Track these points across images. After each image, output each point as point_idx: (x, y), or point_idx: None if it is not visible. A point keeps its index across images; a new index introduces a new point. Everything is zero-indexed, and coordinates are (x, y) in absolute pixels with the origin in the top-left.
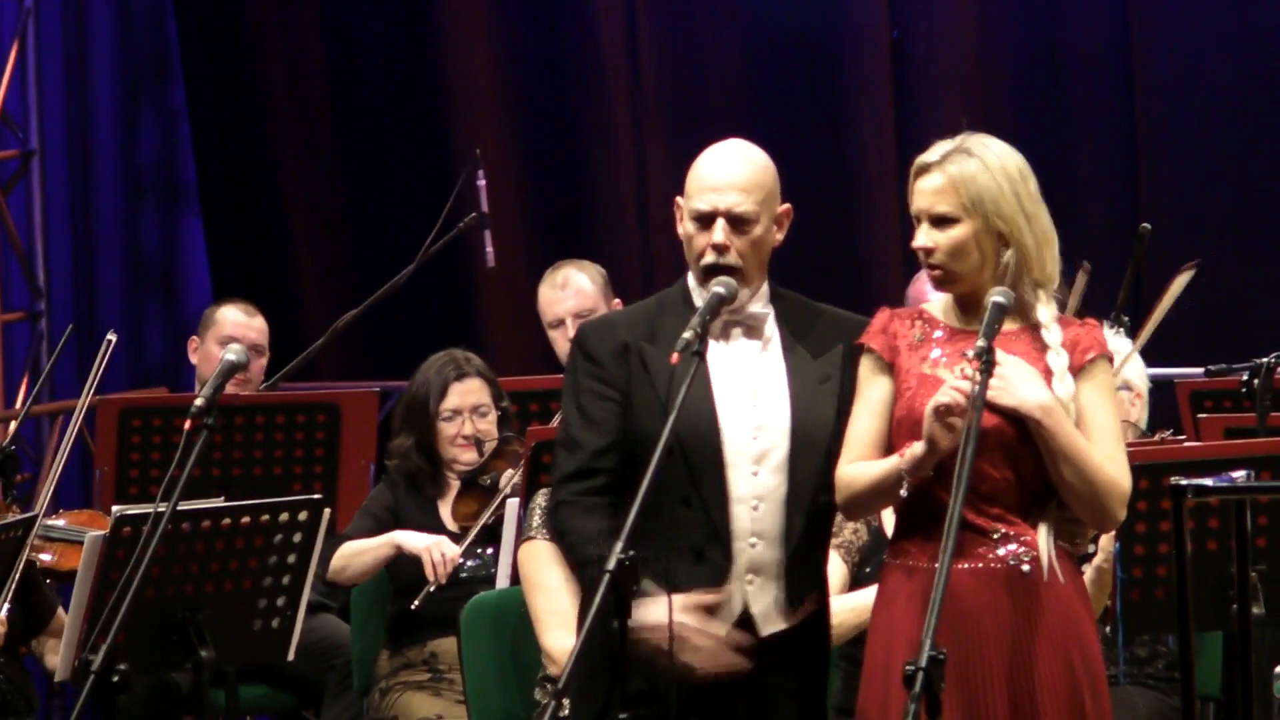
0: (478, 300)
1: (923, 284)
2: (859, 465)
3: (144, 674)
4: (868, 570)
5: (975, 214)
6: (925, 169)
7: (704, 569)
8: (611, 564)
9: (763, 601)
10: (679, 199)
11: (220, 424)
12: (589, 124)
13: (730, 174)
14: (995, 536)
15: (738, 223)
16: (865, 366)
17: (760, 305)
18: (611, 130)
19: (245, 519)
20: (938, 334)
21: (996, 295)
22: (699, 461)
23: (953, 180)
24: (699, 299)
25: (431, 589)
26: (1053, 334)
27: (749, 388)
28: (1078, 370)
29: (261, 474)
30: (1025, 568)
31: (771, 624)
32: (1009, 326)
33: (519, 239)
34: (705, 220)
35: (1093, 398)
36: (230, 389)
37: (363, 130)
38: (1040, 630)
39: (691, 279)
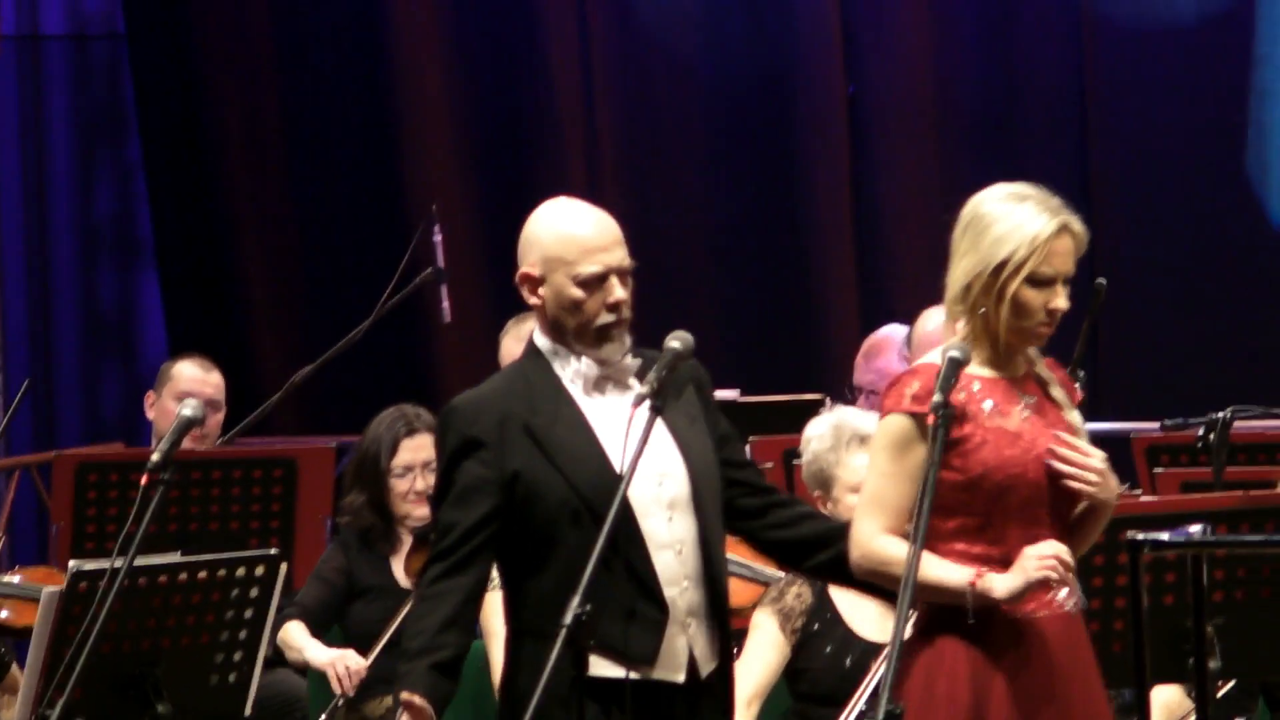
0: (434, 355)
1: (880, 340)
2: (908, 551)
3: None
4: (815, 629)
5: None
6: (1065, 229)
7: (639, 625)
8: (568, 619)
9: (701, 644)
10: (529, 271)
11: (177, 479)
12: (545, 178)
13: (609, 231)
14: (1055, 581)
15: (625, 277)
16: (909, 431)
17: (628, 357)
18: (567, 185)
19: (202, 574)
20: (975, 386)
21: (954, 351)
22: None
23: (1079, 242)
24: (562, 365)
25: (339, 701)
26: (1044, 370)
27: (638, 439)
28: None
29: (218, 529)
30: (1072, 610)
31: (708, 665)
32: (1022, 369)
33: (475, 294)
34: (597, 282)
35: None
36: (187, 444)
37: (319, 185)
38: (1090, 665)
39: (544, 343)
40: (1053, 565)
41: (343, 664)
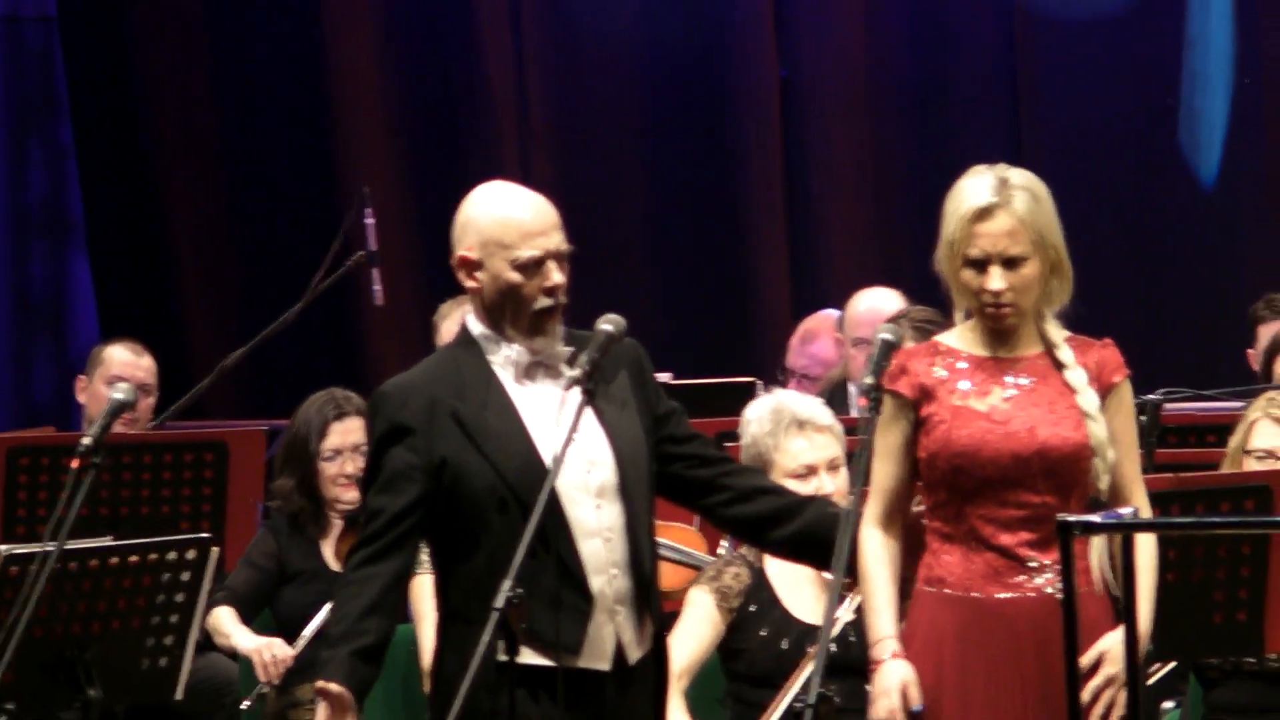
0: (366, 338)
1: (816, 324)
2: (876, 562)
3: (31, 713)
4: (752, 610)
5: (1040, 249)
6: (986, 211)
7: (565, 614)
8: (500, 602)
9: (629, 631)
10: (466, 254)
11: (108, 463)
12: (476, 160)
13: (547, 215)
14: (1032, 565)
15: (563, 261)
16: (888, 408)
17: (561, 343)
18: (499, 166)
19: (133, 558)
20: (962, 364)
21: (884, 333)
22: (535, 506)
23: (1020, 219)
24: (494, 350)
25: (264, 690)
26: (1065, 353)
27: (569, 424)
28: (1107, 391)
29: (149, 513)
30: (1055, 594)
31: (635, 652)
32: (1030, 351)
33: (407, 276)
34: (535, 266)
35: (1120, 421)
36: (118, 428)
37: (251, 168)
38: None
39: (478, 328)
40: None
41: (269, 652)
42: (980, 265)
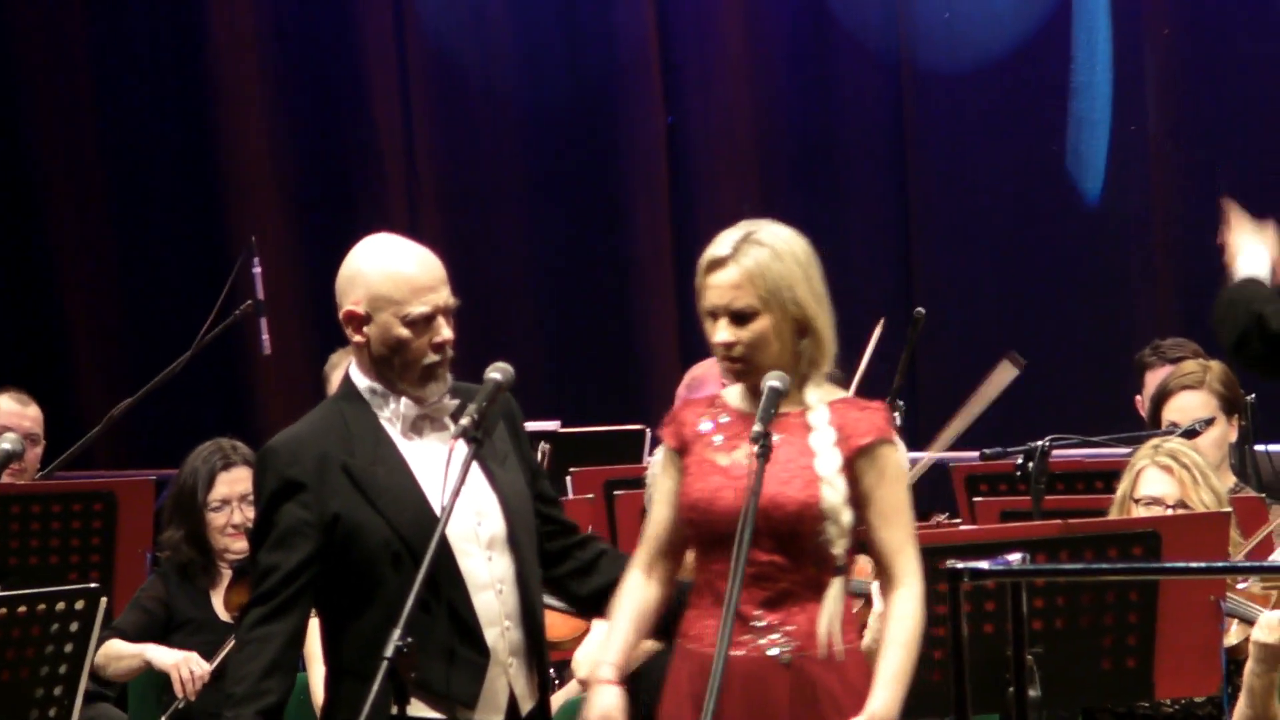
0: (254, 387)
1: (703, 371)
2: (623, 599)
3: None
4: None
5: (774, 304)
6: (717, 264)
7: (460, 668)
8: (389, 651)
9: (521, 683)
10: (354, 309)
11: None
12: (365, 210)
13: (435, 271)
14: (758, 625)
15: (450, 316)
16: (663, 457)
17: (447, 397)
18: (387, 217)
19: (21, 608)
20: (724, 419)
21: (772, 380)
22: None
23: (748, 273)
24: (380, 405)
25: (180, 705)
26: (818, 414)
27: (456, 475)
28: (854, 453)
29: (38, 563)
30: (785, 659)
31: (527, 703)
32: (787, 409)
33: (295, 326)
34: (424, 322)
35: (872, 481)
36: (5, 478)
37: (139, 218)
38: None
39: (363, 382)
40: None
41: (187, 667)
42: (714, 317)
